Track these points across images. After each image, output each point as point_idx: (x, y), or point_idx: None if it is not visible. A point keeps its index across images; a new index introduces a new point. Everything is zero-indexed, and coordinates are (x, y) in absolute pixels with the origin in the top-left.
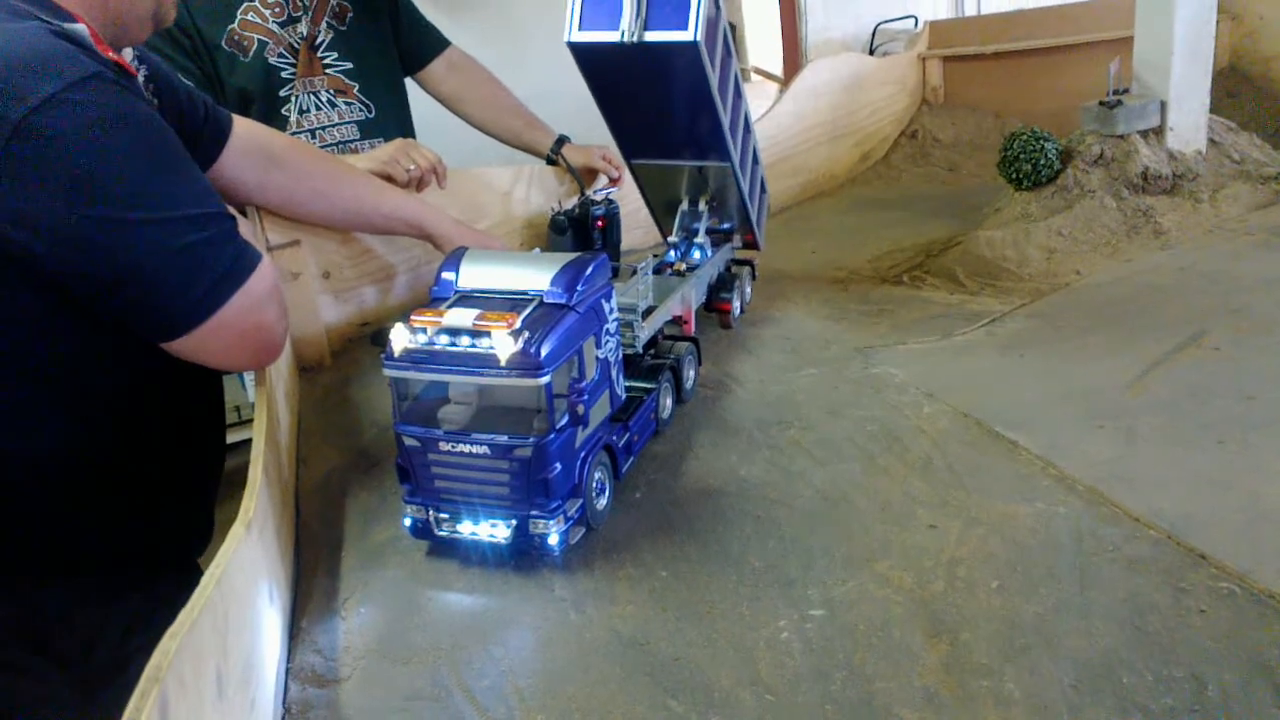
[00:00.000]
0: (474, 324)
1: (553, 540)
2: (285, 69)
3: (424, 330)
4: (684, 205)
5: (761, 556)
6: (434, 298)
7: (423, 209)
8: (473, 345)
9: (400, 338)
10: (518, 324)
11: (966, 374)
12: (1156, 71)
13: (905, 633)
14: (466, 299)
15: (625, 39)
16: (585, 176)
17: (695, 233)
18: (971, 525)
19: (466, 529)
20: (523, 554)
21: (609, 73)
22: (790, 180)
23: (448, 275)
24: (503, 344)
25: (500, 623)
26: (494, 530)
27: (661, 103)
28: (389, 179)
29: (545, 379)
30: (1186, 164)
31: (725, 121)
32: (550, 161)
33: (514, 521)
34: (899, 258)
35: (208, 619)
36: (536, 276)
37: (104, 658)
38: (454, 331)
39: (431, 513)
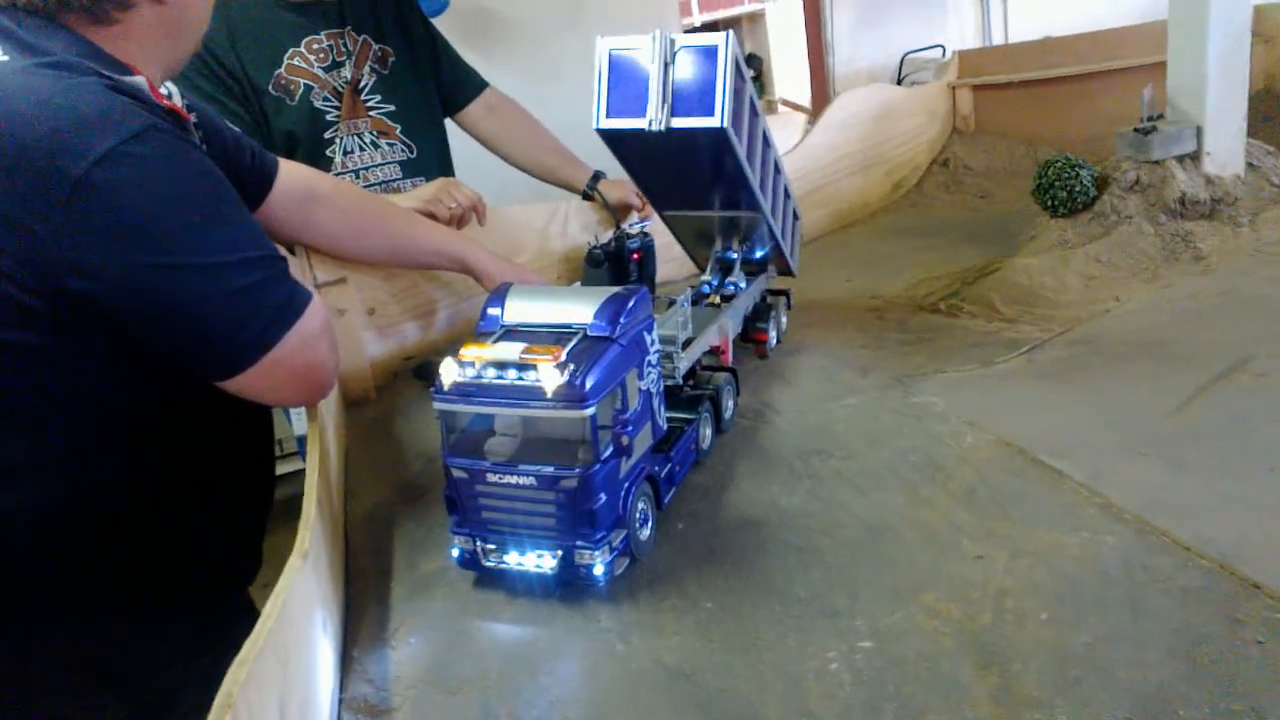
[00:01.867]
0: (521, 357)
1: (598, 571)
2: (330, 112)
3: (472, 364)
4: (717, 245)
5: (806, 587)
6: (480, 332)
7: (464, 245)
8: (520, 378)
9: (449, 371)
10: (563, 356)
11: (1008, 402)
12: (1191, 96)
13: (954, 665)
14: (512, 333)
15: (652, 128)
16: (620, 211)
17: (730, 267)
18: (1018, 556)
19: (513, 560)
20: (568, 585)
21: (637, 151)
22: (822, 210)
23: (494, 310)
24: (549, 376)
25: (548, 653)
26: (540, 561)
27: (691, 171)
28: (431, 217)
29: (590, 410)
30: (1224, 188)
31: (755, 182)
32: (586, 197)
33: (560, 552)
34: (934, 285)
35: (271, 649)
36: (580, 310)
37: (158, 684)
38: (501, 365)
39: (479, 543)
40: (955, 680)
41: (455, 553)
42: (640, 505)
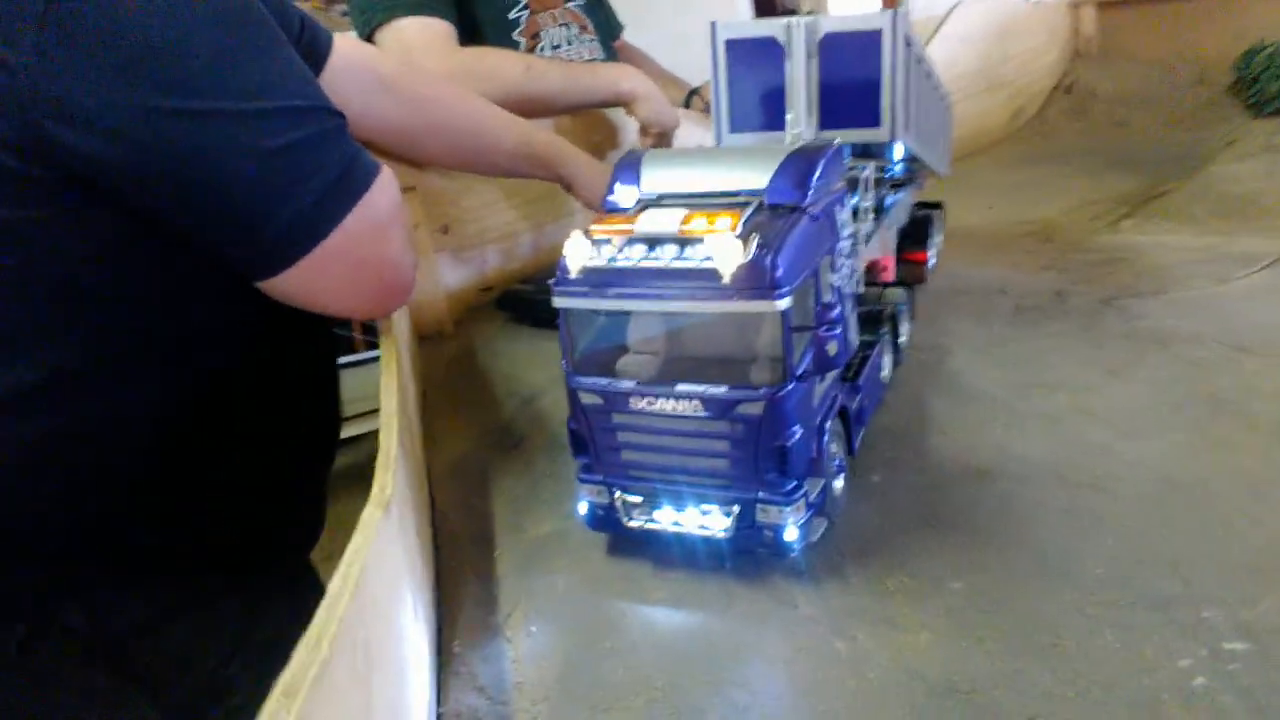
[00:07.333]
0: (680, 230)
1: (790, 535)
2: None
3: (609, 241)
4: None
5: (1100, 563)
6: (609, 210)
7: (557, 146)
8: (679, 258)
9: (578, 252)
10: (739, 228)
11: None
12: None
13: None
14: (658, 205)
15: None
16: None
17: (880, 181)
18: None
19: (667, 518)
20: (741, 554)
21: None
22: None
23: (625, 185)
24: (724, 252)
25: (732, 653)
26: (707, 520)
27: None
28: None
29: (785, 302)
30: None
31: (919, 148)
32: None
33: (735, 508)
34: (1097, 209)
35: (343, 653)
36: (751, 175)
37: (201, 679)
38: (651, 241)
39: (618, 495)
40: None
41: (583, 508)
42: (833, 447)
